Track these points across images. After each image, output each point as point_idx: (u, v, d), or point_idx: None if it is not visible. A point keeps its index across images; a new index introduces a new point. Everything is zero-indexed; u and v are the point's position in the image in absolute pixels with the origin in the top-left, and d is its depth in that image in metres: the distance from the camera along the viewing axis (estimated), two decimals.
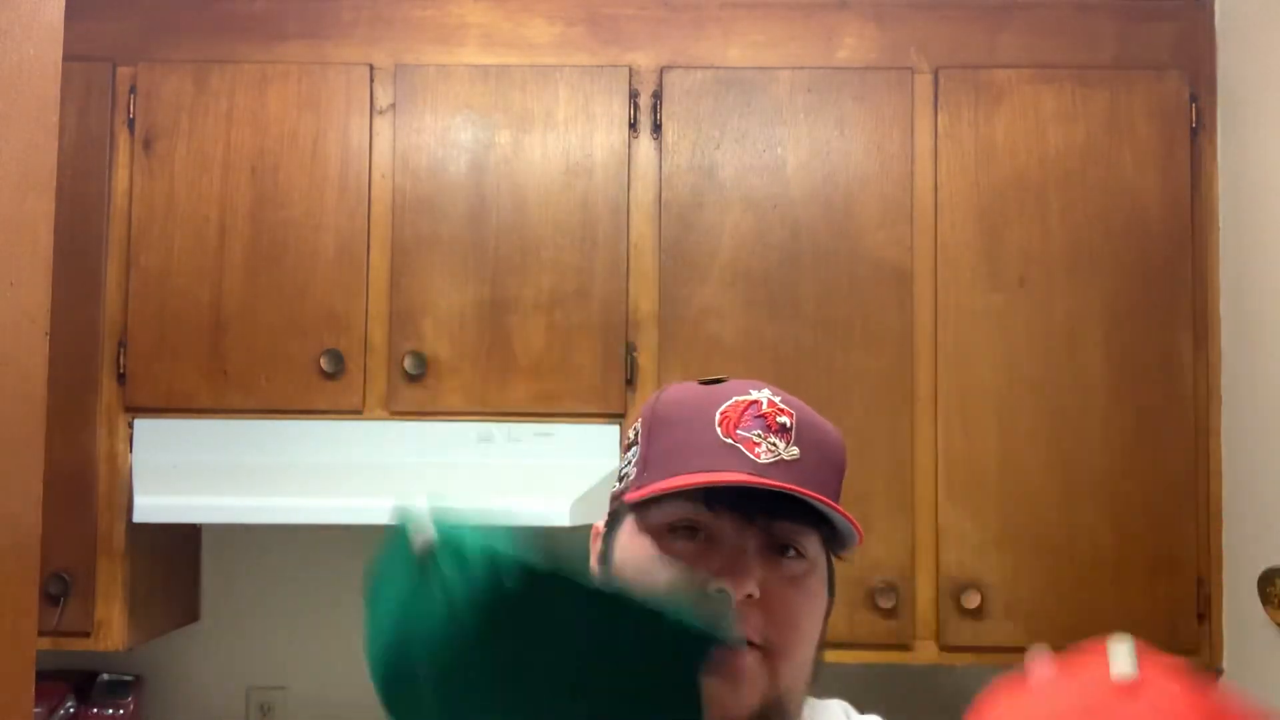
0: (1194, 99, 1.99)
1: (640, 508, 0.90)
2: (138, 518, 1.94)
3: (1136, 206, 1.97)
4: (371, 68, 2.02)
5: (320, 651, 2.32)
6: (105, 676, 2.21)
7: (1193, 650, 1.93)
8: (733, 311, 1.98)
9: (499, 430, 1.95)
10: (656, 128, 2.01)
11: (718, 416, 0.88)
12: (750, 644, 0.84)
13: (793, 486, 0.84)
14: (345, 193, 1.99)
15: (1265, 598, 1.81)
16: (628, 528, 0.91)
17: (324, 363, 1.96)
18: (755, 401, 0.89)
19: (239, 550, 2.34)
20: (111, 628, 1.96)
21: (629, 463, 0.94)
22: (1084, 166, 1.98)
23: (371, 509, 1.94)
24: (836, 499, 0.90)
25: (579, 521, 1.84)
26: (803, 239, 1.99)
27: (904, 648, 1.94)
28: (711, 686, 0.79)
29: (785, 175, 1.99)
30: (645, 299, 1.99)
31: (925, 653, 1.95)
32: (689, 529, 0.87)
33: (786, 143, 2.00)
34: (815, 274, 1.98)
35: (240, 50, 2.03)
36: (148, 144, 2.00)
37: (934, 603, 1.94)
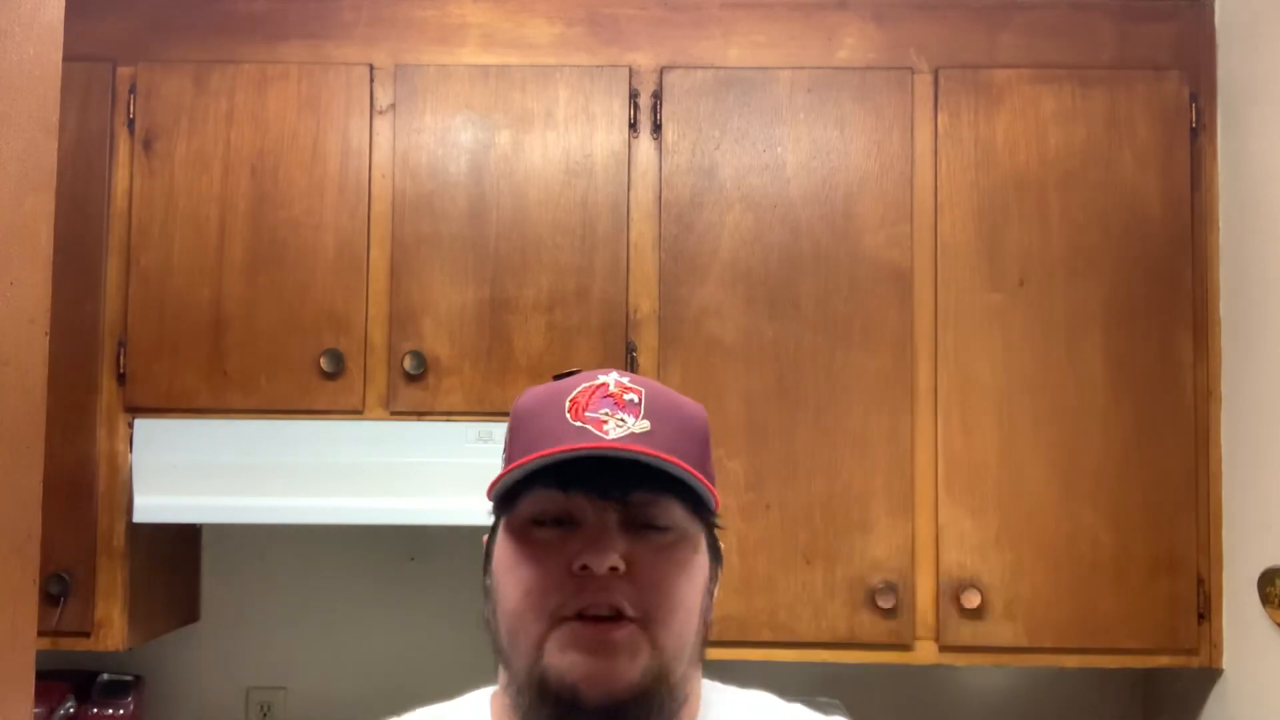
0: (1194, 99, 1.99)
1: (505, 506, 0.92)
2: (138, 518, 1.94)
3: (1136, 206, 1.97)
4: (371, 68, 2.02)
5: (320, 651, 2.32)
6: (105, 676, 2.21)
7: (1193, 650, 1.93)
8: (733, 311, 1.98)
9: (499, 430, 1.95)
10: (656, 128, 2.01)
11: (567, 404, 0.89)
12: (625, 617, 0.85)
13: (635, 447, 0.85)
14: (345, 192, 1.99)
15: (1265, 598, 1.81)
16: (500, 533, 0.93)
17: (324, 363, 1.96)
18: (603, 384, 0.90)
19: (239, 550, 2.34)
20: (111, 628, 1.96)
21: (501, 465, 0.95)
22: (1084, 166, 1.98)
23: (371, 509, 1.94)
24: (699, 462, 0.91)
25: None
26: (803, 239, 1.99)
27: (904, 648, 1.94)
28: (590, 661, 0.83)
29: (785, 175, 1.99)
30: (645, 299, 1.99)
31: (925, 653, 1.95)
32: (553, 520, 0.88)
33: (786, 143, 2.00)
34: (815, 274, 1.98)
35: (240, 50, 2.03)
36: (148, 144, 2.00)
37: (934, 603, 1.94)
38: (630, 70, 2.01)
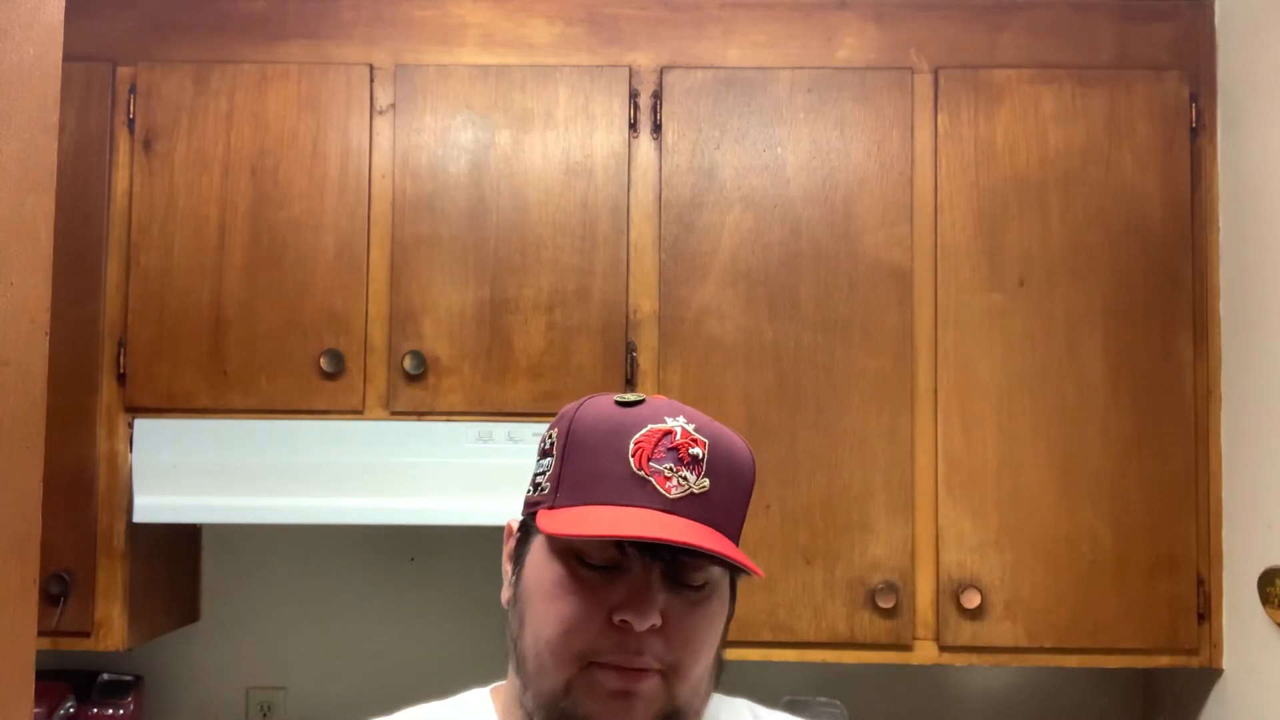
0: (1194, 99, 1.99)
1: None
2: (138, 518, 1.94)
3: (1136, 206, 1.97)
4: (371, 68, 2.02)
5: (320, 651, 2.32)
6: (105, 676, 2.21)
7: (1193, 650, 1.93)
8: (733, 311, 1.98)
9: (499, 430, 1.95)
10: (656, 128, 2.01)
11: (631, 446, 0.89)
12: (651, 669, 0.88)
13: (695, 544, 0.85)
14: (345, 193, 1.99)
15: (1265, 598, 1.81)
16: (539, 546, 0.93)
17: (324, 363, 1.96)
18: (669, 431, 0.90)
19: (239, 550, 2.34)
20: (111, 628, 1.96)
21: (544, 472, 0.95)
22: (1084, 166, 1.98)
23: (371, 509, 1.94)
24: (742, 522, 0.93)
25: None
26: (803, 239, 1.99)
27: (904, 648, 1.94)
28: (611, 708, 0.86)
29: (785, 175, 1.99)
30: (645, 299, 1.99)
31: (925, 653, 1.95)
32: (600, 555, 0.89)
33: (786, 143, 2.00)
34: (815, 274, 1.98)
35: (240, 50, 2.03)
36: (148, 144, 2.00)
37: (934, 603, 1.94)
38: (630, 70, 2.01)
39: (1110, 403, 1.95)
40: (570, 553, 0.90)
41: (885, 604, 1.92)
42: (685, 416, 0.92)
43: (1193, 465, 1.95)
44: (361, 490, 1.93)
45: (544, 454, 0.96)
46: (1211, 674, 1.97)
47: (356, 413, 1.97)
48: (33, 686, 1.15)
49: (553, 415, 2.04)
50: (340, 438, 1.95)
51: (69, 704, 2.12)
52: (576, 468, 0.91)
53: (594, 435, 0.91)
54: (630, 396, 0.94)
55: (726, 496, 0.90)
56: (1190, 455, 1.95)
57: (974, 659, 1.96)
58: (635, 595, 0.87)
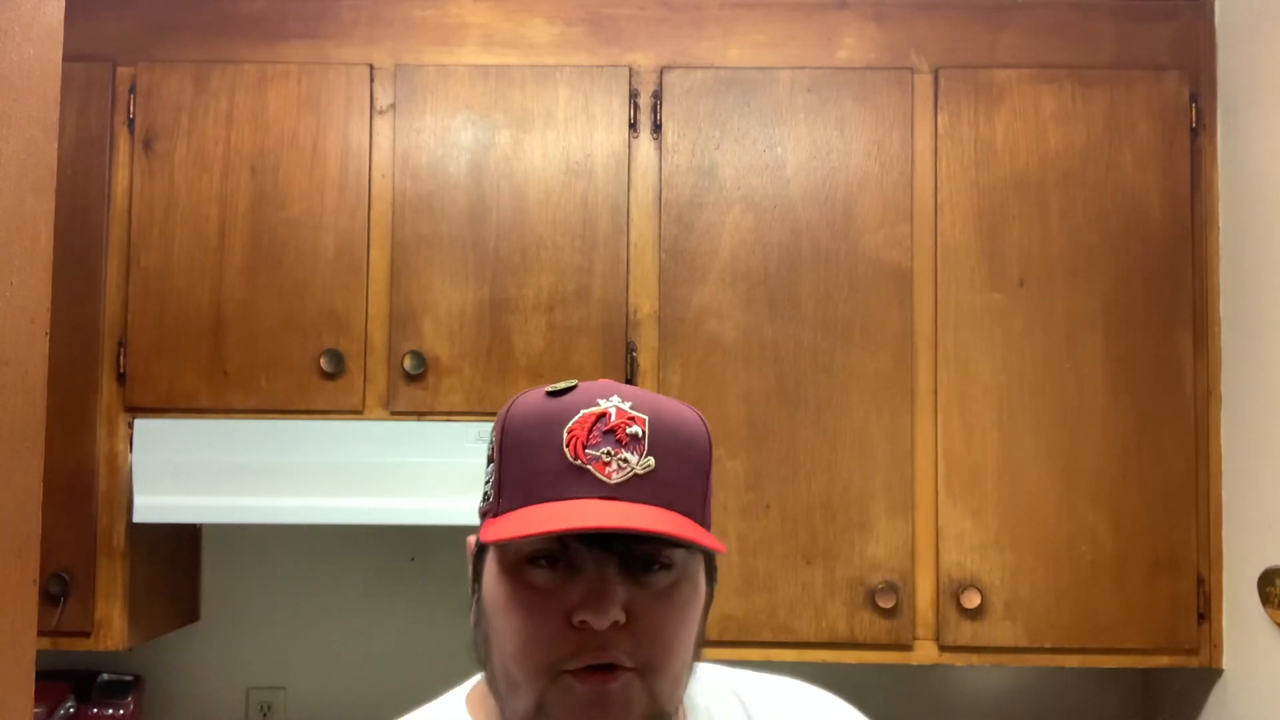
0: (1194, 99, 1.99)
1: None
2: (138, 518, 1.94)
3: (1136, 206, 1.97)
4: (371, 68, 2.02)
5: (320, 651, 2.32)
6: (105, 676, 2.21)
7: (1193, 650, 1.93)
8: (733, 311, 1.98)
9: None
10: (656, 128, 2.01)
11: (565, 435, 0.85)
12: (622, 667, 0.83)
13: (640, 527, 0.80)
14: (345, 193, 1.99)
15: (1265, 598, 1.81)
16: (492, 559, 0.89)
17: (324, 363, 1.96)
18: (603, 413, 0.85)
19: (239, 550, 2.34)
20: (111, 628, 1.96)
21: (488, 480, 0.91)
22: (1084, 166, 1.98)
23: (371, 509, 1.94)
24: (702, 497, 0.88)
25: None
26: (803, 239, 1.99)
27: (904, 648, 1.94)
28: (589, 714, 0.82)
29: (785, 175, 2.00)
30: (645, 299, 1.99)
31: (925, 653, 1.95)
32: (548, 557, 0.84)
33: (786, 143, 2.00)
34: (815, 274, 1.98)
35: (240, 50, 2.03)
36: (148, 144, 2.00)
37: (934, 603, 1.94)
38: (630, 70, 2.01)
39: (1110, 403, 1.95)
40: (521, 561, 0.85)
41: (885, 604, 1.92)
42: (620, 395, 0.87)
43: (1193, 465, 1.95)
44: (361, 490, 1.93)
45: (488, 460, 0.92)
46: (1211, 674, 1.97)
47: (356, 413, 1.97)
48: (33, 686, 1.15)
49: None
50: (340, 438, 1.95)
51: (69, 704, 2.12)
52: (514, 470, 0.87)
53: (526, 432, 0.87)
54: (561, 385, 0.89)
55: (677, 471, 0.85)
56: (1190, 455, 1.95)
57: (974, 659, 1.96)
58: (591, 593, 0.82)
